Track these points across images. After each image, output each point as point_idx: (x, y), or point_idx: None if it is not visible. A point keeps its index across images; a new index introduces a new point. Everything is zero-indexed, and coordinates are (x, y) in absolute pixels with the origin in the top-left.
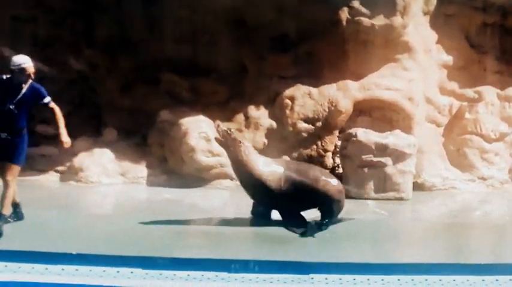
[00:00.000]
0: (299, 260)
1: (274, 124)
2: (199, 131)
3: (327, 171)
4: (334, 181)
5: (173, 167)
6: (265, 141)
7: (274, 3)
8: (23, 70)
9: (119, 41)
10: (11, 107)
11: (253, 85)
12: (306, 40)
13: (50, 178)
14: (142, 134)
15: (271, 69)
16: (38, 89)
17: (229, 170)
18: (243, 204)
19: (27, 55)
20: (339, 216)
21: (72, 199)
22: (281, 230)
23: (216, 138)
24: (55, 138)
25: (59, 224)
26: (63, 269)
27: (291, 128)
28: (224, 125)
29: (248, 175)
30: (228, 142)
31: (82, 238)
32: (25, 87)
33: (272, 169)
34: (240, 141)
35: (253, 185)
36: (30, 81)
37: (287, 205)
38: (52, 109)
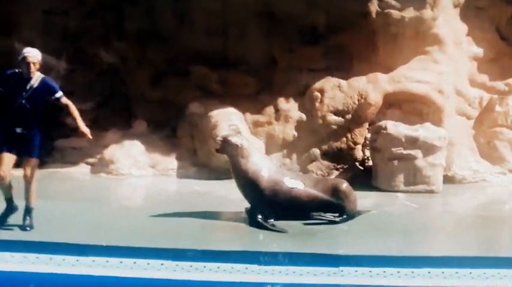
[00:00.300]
0: (328, 253)
1: (303, 117)
2: (229, 123)
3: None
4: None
5: (203, 159)
6: (295, 133)
7: None
8: (23, 59)
9: (149, 34)
10: (22, 101)
11: (283, 77)
12: (336, 32)
13: (81, 170)
14: (172, 127)
15: (300, 61)
16: (49, 84)
17: None
18: None
19: (58, 48)
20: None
21: (102, 191)
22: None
23: (216, 149)
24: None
25: (90, 216)
26: (93, 261)
27: (320, 121)
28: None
29: (243, 172)
30: (227, 148)
31: (113, 230)
32: (35, 81)
33: (271, 171)
34: (237, 145)
35: (247, 181)
36: (41, 75)
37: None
38: (65, 105)
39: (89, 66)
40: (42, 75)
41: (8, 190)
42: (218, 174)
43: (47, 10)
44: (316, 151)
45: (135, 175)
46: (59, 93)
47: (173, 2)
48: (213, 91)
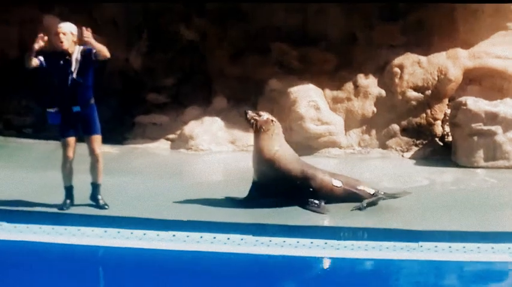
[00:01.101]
0: (408, 228)
1: (383, 93)
2: (308, 99)
3: None
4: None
5: None
6: (374, 109)
7: None
8: (55, 32)
9: (229, 10)
10: (74, 77)
11: (362, 54)
12: (416, 8)
13: (161, 146)
14: (252, 103)
15: (380, 37)
16: (87, 48)
17: (339, 138)
18: (353, 173)
19: (139, 25)
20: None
21: (182, 166)
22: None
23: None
24: (166, 107)
25: (170, 192)
26: (174, 236)
27: (400, 97)
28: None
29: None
30: (260, 124)
31: (193, 205)
32: (77, 54)
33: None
34: (273, 121)
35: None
36: (80, 47)
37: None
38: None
39: (170, 44)
40: (79, 47)
41: (71, 175)
42: (297, 150)
43: None
44: (396, 127)
45: (214, 151)
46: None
47: None
48: (293, 67)
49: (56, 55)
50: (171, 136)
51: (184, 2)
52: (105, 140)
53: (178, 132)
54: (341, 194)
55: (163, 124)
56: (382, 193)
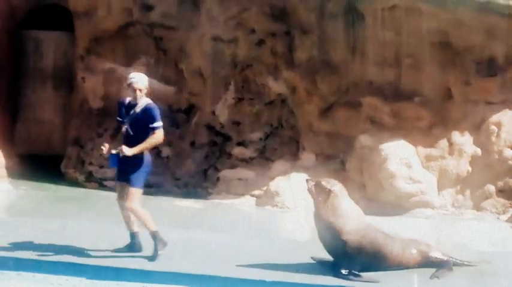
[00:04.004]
0: None
1: (478, 151)
2: (399, 156)
3: None
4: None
5: (372, 194)
6: (469, 169)
7: (483, 25)
8: (129, 85)
9: (319, 64)
10: (126, 127)
11: (458, 110)
12: None
13: (246, 202)
14: (341, 159)
15: (477, 94)
16: (150, 112)
17: (431, 198)
18: (445, 234)
19: (226, 77)
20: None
21: (267, 224)
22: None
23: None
24: (251, 162)
25: (254, 250)
26: None
27: (496, 156)
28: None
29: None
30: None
31: (277, 264)
32: (139, 108)
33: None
34: (330, 190)
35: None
36: (146, 102)
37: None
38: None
39: (257, 96)
40: (148, 102)
41: (130, 221)
42: (387, 209)
43: (216, 37)
44: (491, 188)
45: (300, 209)
46: (156, 124)
47: (345, 31)
48: (385, 123)
49: (125, 103)
50: (256, 192)
51: (273, 53)
52: (189, 195)
53: (264, 188)
54: (414, 261)
55: (249, 179)
56: (454, 258)
